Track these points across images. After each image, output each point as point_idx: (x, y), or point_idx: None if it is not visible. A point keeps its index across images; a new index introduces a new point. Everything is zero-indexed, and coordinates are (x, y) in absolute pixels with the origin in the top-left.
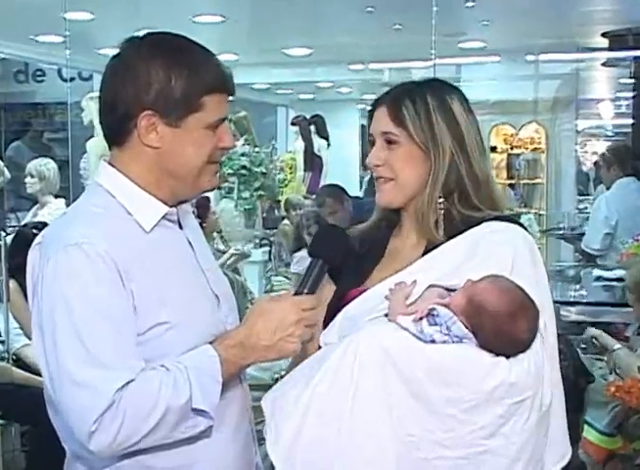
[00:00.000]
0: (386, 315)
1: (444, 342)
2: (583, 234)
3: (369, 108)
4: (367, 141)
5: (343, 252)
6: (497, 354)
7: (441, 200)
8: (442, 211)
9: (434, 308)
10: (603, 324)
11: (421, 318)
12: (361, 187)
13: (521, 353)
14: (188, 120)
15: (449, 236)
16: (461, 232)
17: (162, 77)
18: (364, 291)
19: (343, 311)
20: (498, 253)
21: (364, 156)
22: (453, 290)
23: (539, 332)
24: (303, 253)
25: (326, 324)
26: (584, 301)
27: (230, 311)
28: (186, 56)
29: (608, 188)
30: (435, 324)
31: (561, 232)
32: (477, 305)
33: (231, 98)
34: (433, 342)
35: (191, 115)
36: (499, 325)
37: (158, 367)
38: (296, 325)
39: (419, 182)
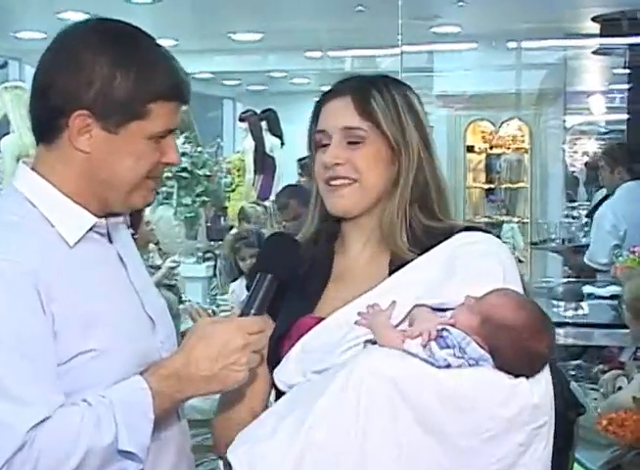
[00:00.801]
0: (373, 343)
1: (459, 365)
2: (582, 246)
3: (318, 100)
4: (312, 140)
5: (295, 265)
6: (516, 376)
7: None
8: (408, 221)
9: (444, 329)
10: (595, 348)
11: (429, 341)
12: None
13: (538, 373)
14: (129, 127)
15: (412, 250)
16: (426, 245)
17: (107, 75)
18: (319, 319)
19: (301, 344)
20: (486, 265)
21: None
22: (442, 309)
23: None
24: (241, 283)
25: (269, 358)
26: (574, 321)
27: (167, 337)
28: (138, 53)
29: (610, 193)
30: (447, 346)
31: (552, 244)
32: (494, 323)
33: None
34: (447, 366)
35: (133, 121)
36: (521, 342)
37: (79, 402)
38: (241, 351)
39: (384, 186)
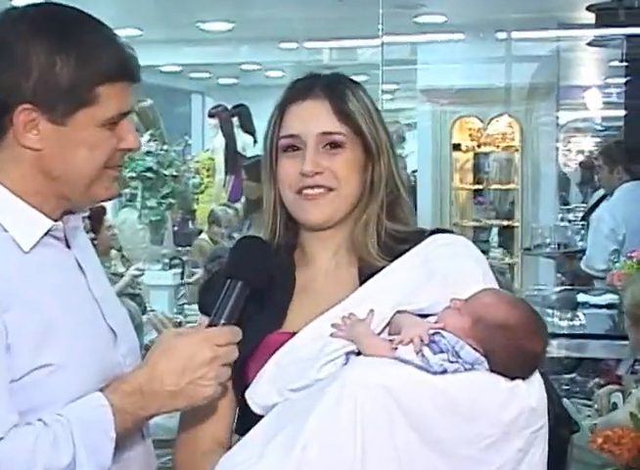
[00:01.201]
0: (354, 354)
1: (455, 370)
2: (578, 252)
3: (280, 101)
4: (272, 143)
5: (268, 271)
6: (512, 378)
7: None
8: (378, 228)
9: (437, 333)
10: (590, 361)
11: (421, 347)
12: None
13: (532, 374)
14: (77, 117)
15: (383, 257)
16: (396, 251)
17: (45, 63)
18: (290, 334)
19: (274, 362)
20: (464, 267)
21: None
22: (424, 315)
23: None
24: None
25: (234, 381)
26: (568, 332)
27: (129, 350)
28: (76, 35)
29: (609, 194)
30: (441, 351)
31: (546, 250)
32: (487, 323)
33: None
34: (443, 372)
35: (81, 109)
36: (515, 342)
37: (34, 422)
38: (209, 364)
39: (360, 193)
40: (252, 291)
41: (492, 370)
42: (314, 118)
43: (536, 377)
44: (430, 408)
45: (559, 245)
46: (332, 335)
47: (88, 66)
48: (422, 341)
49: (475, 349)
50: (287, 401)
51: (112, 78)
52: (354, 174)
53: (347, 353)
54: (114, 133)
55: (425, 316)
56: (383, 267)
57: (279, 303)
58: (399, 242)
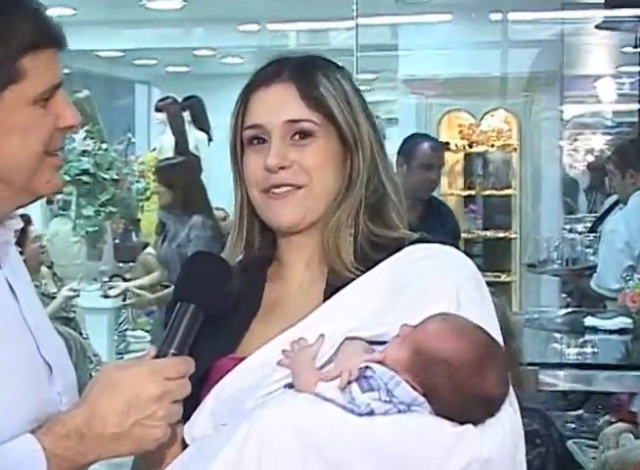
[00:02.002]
0: (290, 387)
1: (386, 412)
2: (588, 269)
3: (245, 87)
4: (236, 136)
5: (226, 292)
6: (461, 422)
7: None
8: (354, 232)
9: (367, 367)
10: (600, 395)
11: (349, 383)
12: None
13: (491, 417)
14: (5, 97)
15: (357, 267)
16: (373, 261)
17: None
18: (241, 360)
19: (215, 392)
20: (436, 284)
21: None
22: (381, 342)
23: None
24: None
25: (186, 411)
26: (574, 362)
27: (66, 386)
28: None
29: (622, 201)
30: (371, 389)
31: (553, 266)
32: (427, 356)
33: (67, 71)
34: (370, 413)
35: (7, 88)
36: (462, 380)
37: None
38: (158, 402)
39: (335, 191)
40: (208, 315)
41: (436, 413)
42: (279, 105)
43: (499, 419)
44: (353, 456)
45: (567, 261)
46: (278, 363)
47: (5, 38)
48: (349, 376)
49: (413, 387)
50: (197, 442)
51: (34, 47)
52: (328, 168)
53: (286, 385)
54: (48, 111)
55: (383, 344)
56: (352, 281)
57: (238, 323)
58: (376, 249)
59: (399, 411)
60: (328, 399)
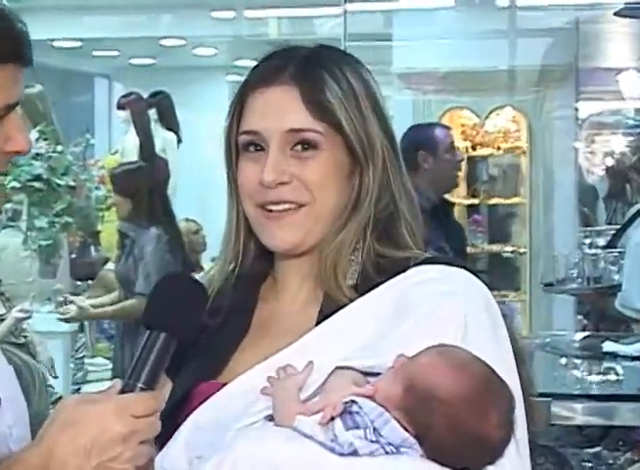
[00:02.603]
0: (270, 419)
1: (372, 452)
2: (614, 287)
3: (241, 85)
4: (230, 141)
5: (200, 318)
6: (455, 469)
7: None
8: (360, 254)
9: (352, 402)
10: (620, 430)
11: (332, 418)
12: None
13: (490, 465)
14: None
15: (357, 291)
16: (371, 283)
17: None
18: (224, 386)
19: (192, 419)
20: (441, 309)
21: None
22: (375, 374)
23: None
24: None
25: (162, 441)
26: (592, 393)
27: (17, 419)
28: None
29: None
30: (357, 427)
31: (573, 285)
32: (421, 392)
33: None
34: (353, 453)
35: None
36: (458, 421)
37: None
38: (124, 442)
39: (340, 209)
40: (180, 344)
41: (428, 456)
42: (279, 111)
43: (501, 466)
44: None
45: (588, 279)
46: (262, 391)
47: None
48: (333, 410)
49: (404, 427)
50: None
51: None
52: (333, 184)
53: (267, 416)
54: None
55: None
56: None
57: (225, 344)
58: (380, 271)
59: (386, 453)
60: (307, 435)
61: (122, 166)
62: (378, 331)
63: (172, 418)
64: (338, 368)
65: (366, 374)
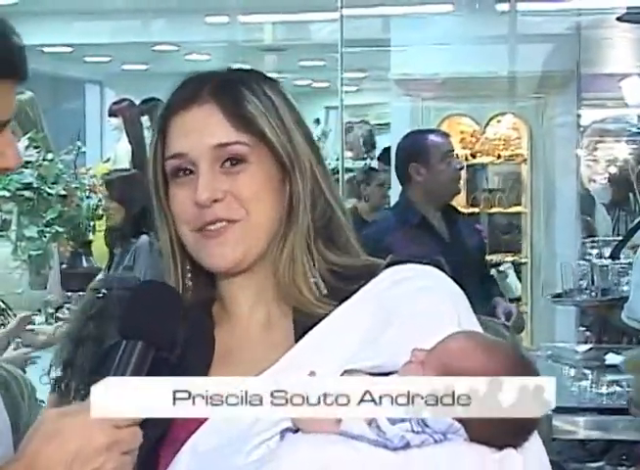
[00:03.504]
0: (294, 431)
1: (422, 443)
2: (621, 299)
3: (160, 112)
4: (156, 171)
5: (176, 325)
6: (499, 447)
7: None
8: (312, 263)
9: None
10: (624, 444)
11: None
12: None
13: (528, 439)
14: None
15: (326, 301)
16: (341, 292)
17: None
18: None
19: (191, 445)
20: (432, 306)
21: None
22: (379, 374)
23: None
24: None
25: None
26: (594, 406)
27: (1, 433)
28: None
29: None
30: (402, 420)
31: (583, 297)
32: (459, 376)
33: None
34: (406, 446)
35: None
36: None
37: None
38: (106, 453)
39: (277, 220)
40: (157, 354)
41: (473, 439)
42: (202, 129)
43: (533, 443)
44: None
45: (598, 291)
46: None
47: None
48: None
49: None
50: None
51: None
52: (266, 196)
53: (283, 431)
54: None
55: (384, 375)
56: (325, 315)
57: (196, 373)
58: (346, 280)
59: (435, 441)
60: (356, 435)
61: (116, 173)
62: (367, 336)
63: (155, 450)
64: (346, 372)
65: (372, 375)
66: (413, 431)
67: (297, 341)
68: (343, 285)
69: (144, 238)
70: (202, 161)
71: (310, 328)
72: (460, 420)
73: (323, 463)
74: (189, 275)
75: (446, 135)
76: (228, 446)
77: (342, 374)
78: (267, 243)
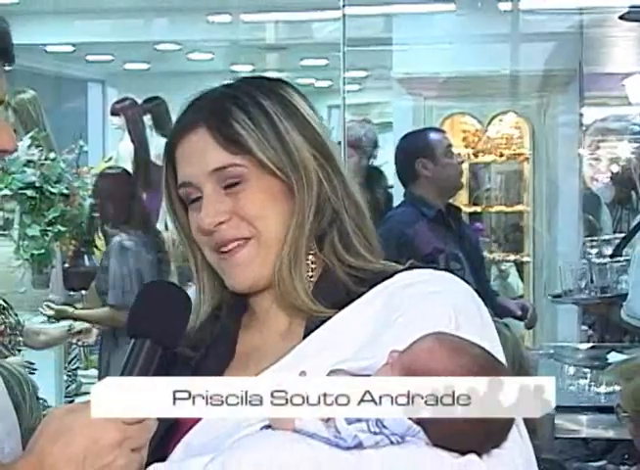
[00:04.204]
0: (267, 427)
1: (377, 443)
2: (621, 296)
3: (167, 139)
4: (172, 197)
5: (184, 324)
6: (462, 452)
7: (313, 250)
8: (316, 268)
9: None
10: (626, 443)
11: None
12: None
13: (496, 447)
14: None
15: (335, 305)
16: (353, 296)
17: None
18: None
19: (184, 443)
20: (430, 310)
21: None
22: (367, 375)
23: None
24: None
25: None
26: (597, 405)
27: (8, 433)
28: None
29: None
30: (358, 420)
31: (582, 296)
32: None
33: (7, 68)
34: (358, 446)
35: None
36: None
37: None
38: (117, 449)
39: (286, 232)
40: (165, 352)
41: (434, 443)
42: (199, 157)
43: (508, 448)
44: None
45: (596, 289)
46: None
47: None
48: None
49: None
50: None
51: None
52: (271, 212)
53: (263, 428)
54: None
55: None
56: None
57: (207, 372)
58: (361, 284)
59: (392, 443)
60: (310, 433)
61: (106, 170)
62: (369, 336)
63: (162, 447)
64: (331, 371)
65: (359, 376)
66: (370, 431)
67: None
68: (357, 287)
69: (115, 239)
70: (205, 186)
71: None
72: (420, 423)
73: (280, 460)
74: (218, 287)
75: (443, 132)
76: (215, 440)
77: (327, 374)
78: (280, 259)
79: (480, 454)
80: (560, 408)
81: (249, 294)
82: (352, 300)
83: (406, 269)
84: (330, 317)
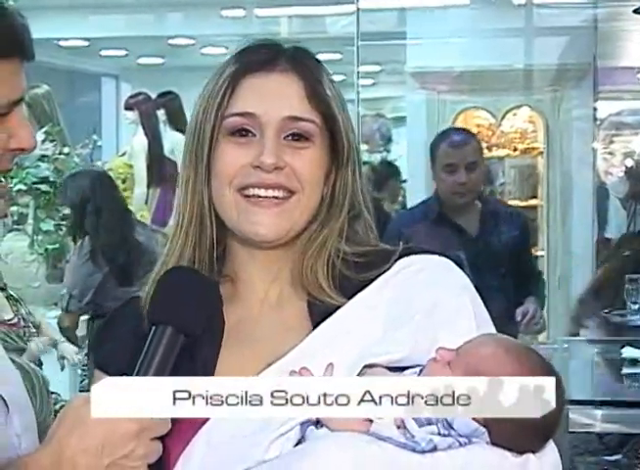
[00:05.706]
0: (316, 425)
1: (449, 446)
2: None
3: (234, 70)
4: (215, 126)
5: (210, 311)
6: (520, 452)
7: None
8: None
9: None
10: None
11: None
12: None
13: (546, 444)
14: None
15: (339, 292)
16: (354, 283)
17: None
18: None
19: (205, 436)
20: (449, 300)
21: None
22: (398, 368)
23: None
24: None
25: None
26: (611, 399)
27: (26, 427)
28: None
29: None
30: (429, 423)
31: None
32: None
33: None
34: (433, 450)
35: None
36: None
37: None
38: (136, 439)
39: (319, 206)
40: (188, 339)
41: (494, 443)
42: (279, 97)
43: (550, 444)
44: None
45: None
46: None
47: None
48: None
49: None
50: None
51: None
52: (319, 179)
53: (303, 424)
54: (1, 129)
55: (401, 370)
56: (339, 307)
57: (206, 353)
58: (359, 270)
59: (460, 445)
60: (384, 437)
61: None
62: (386, 326)
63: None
64: (366, 366)
65: (391, 369)
66: (440, 434)
67: (313, 321)
68: (357, 274)
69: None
70: (269, 126)
71: (324, 311)
72: (484, 425)
73: (353, 462)
74: (209, 245)
75: (462, 144)
76: (244, 438)
77: (362, 369)
78: (307, 225)
79: (534, 452)
80: (574, 402)
81: (232, 259)
82: (352, 288)
83: (404, 253)
84: (337, 301)
